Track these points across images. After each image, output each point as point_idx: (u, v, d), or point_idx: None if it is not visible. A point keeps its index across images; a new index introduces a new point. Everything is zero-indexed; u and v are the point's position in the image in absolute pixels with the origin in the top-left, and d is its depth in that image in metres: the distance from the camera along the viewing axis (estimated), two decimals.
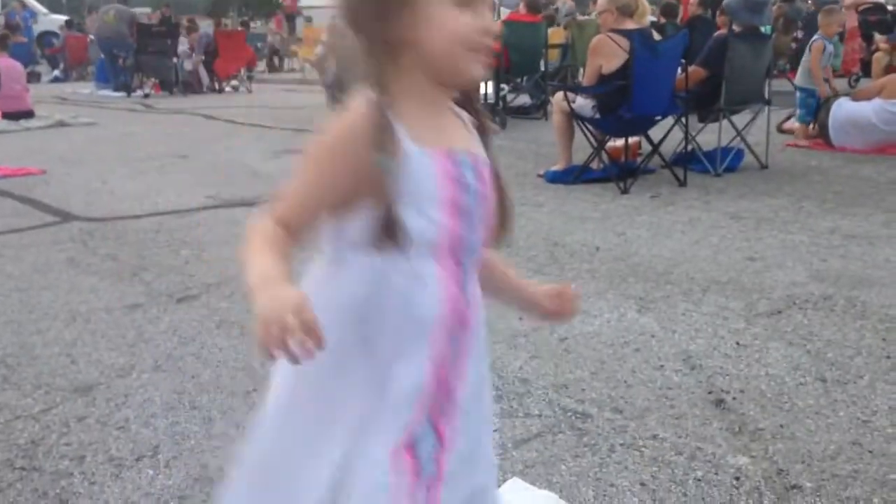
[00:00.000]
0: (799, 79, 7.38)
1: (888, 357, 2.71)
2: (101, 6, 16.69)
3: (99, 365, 2.80)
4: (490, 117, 1.29)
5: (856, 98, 6.90)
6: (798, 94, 7.31)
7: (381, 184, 1.11)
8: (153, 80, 14.75)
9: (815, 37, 7.26)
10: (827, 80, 7.24)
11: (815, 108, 7.08)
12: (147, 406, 2.48)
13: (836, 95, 7.09)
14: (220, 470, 2.09)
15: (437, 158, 1.15)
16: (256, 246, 1.13)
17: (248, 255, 1.13)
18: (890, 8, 13.05)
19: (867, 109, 6.69)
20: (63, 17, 22.47)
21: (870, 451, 2.12)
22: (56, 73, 19.54)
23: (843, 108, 6.88)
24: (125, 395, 2.56)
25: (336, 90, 8.13)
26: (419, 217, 1.13)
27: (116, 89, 14.78)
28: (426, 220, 1.14)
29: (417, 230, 1.13)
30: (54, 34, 21.20)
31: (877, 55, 9.15)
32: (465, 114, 1.24)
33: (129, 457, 2.19)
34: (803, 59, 7.40)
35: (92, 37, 18.14)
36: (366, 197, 1.13)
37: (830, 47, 7.18)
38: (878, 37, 10.17)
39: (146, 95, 14.21)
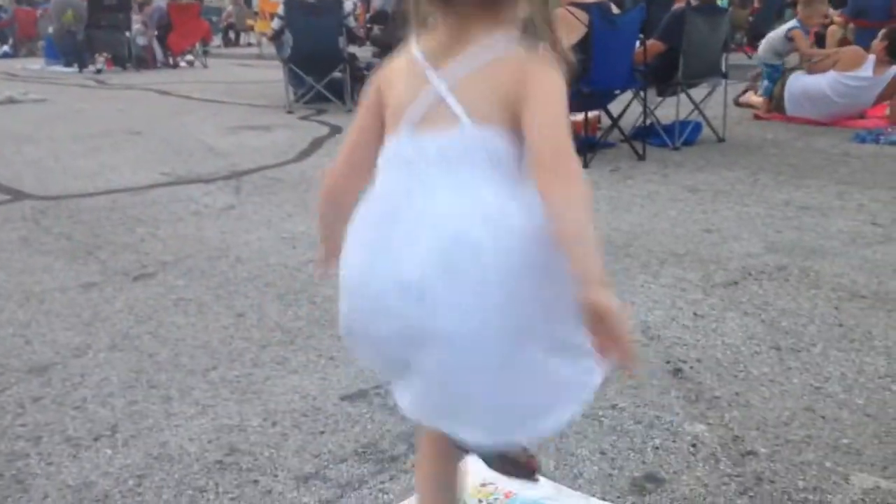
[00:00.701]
0: (764, 55, 7.46)
1: (840, 325, 2.76)
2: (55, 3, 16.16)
3: (54, 345, 2.75)
4: None
5: (811, 71, 6.99)
6: (763, 68, 7.38)
7: None
8: (105, 55, 14.43)
9: (793, 24, 7.31)
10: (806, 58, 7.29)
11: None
12: (104, 385, 2.45)
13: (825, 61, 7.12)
14: (179, 448, 2.08)
15: None
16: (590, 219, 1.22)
17: (589, 225, 1.22)
18: None
19: (822, 82, 6.78)
20: None
21: (822, 417, 2.17)
22: (5, 48, 19.05)
23: (798, 81, 6.98)
24: (81, 375, 2.52)
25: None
26: None
27: (67, 64, 14.45)
28: None
29: None
30: (2, 9, 20.63)
31: (831, 28, 9.27)
32: None
33: (87, 437, 2.16)
34: (771, 35, 7.47)
35: (41, 12, 17.67)
36: None
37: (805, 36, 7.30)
38: (831, 10, 10.28)
39: (98, 71, 13.91)
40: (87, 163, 5.89)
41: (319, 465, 1.99)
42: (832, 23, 9.54)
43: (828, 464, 1.95)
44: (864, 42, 7.38)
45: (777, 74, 7.20)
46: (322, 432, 2.14)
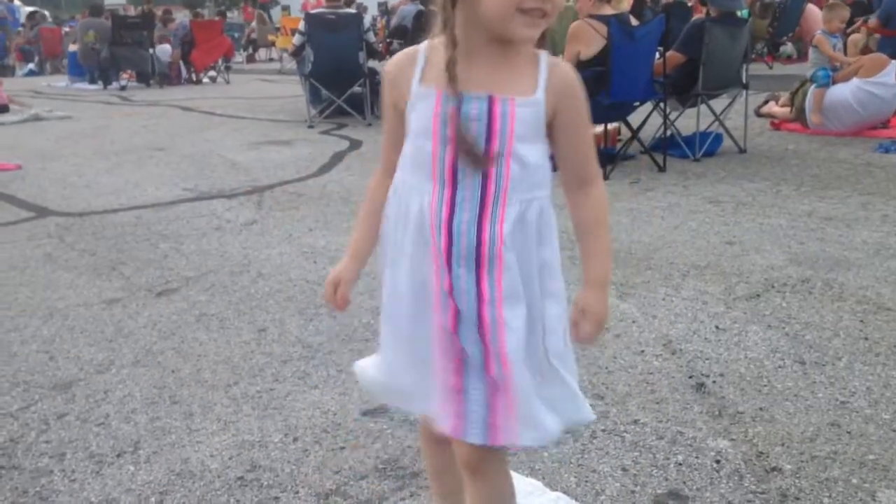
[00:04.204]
0: (811, 62, 7.43)
1: (865, 338, 2.73)
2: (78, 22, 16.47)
3: (78, 361, 2.78)
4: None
5: (834, 81, 6.92)
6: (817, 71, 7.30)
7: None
8: (129, 72, 14.61)
9: (817, 32, 7.29)
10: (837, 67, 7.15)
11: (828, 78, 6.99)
12: (127, 401, 2.47)
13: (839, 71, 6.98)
14: (201, 464, 2.09)
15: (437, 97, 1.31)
16: None
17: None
18: None
19: (845, 92, 6.72)
20: (30, 9, 22.16)
21: (848, 432, 2.14)
22: (31, 66, 19.34)
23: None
24: (105, 391, 2.54)
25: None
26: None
27: (92, 81, 14.64)
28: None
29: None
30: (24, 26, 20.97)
31: (853, 37, 9.20)
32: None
33: (110, 453, 2.17)
34: (811, 54, 7.45)
35: (66, 30, 17.92)
36: None
37: (833, 41, 7.19)
38: (860, 20, 10.15)
39: (122, 88, 14.08)
40: (111, 179, 5.96)
41: (340, 481, 1.99)
42: (857, 30, 9.47)
43: (854, 480, 1.92)
44: (888, 50, 7.31)
45: (824, 72, 7.05)
46: (342, 448, 2.14)
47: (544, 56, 1.33)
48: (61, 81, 15.82)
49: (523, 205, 1.32)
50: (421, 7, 8.59)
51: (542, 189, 1.34)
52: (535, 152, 1.31)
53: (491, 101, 1.29)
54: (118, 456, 2.16)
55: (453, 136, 1.29)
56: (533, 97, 1.30)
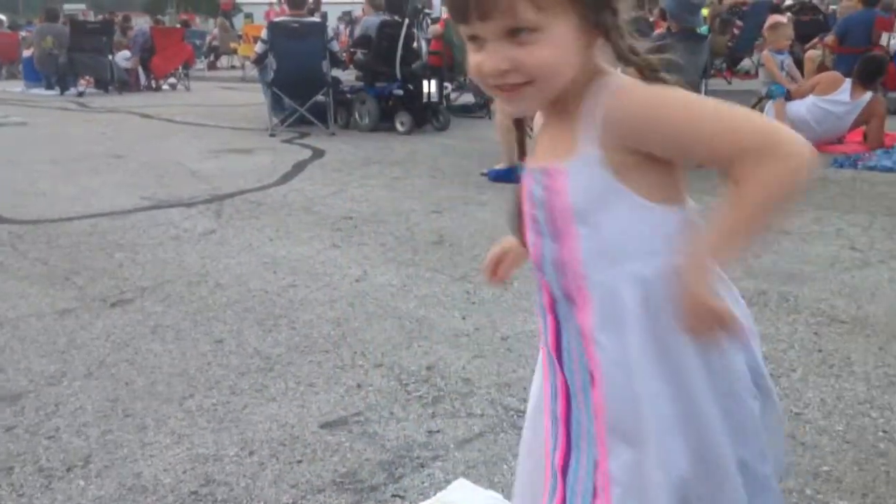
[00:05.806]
0: (762, 79, 7.57)
1: (819, 350, 2.77)
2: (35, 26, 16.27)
3: (28, 373, 2.71)
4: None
5: (790, 97, 7.05)
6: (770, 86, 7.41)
7: None
8: (87, 78, 14.40)
9: (765, 51, 7.45)
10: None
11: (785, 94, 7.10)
12: (78, 414, 2.41)
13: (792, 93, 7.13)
14: (154, 479, 2.04)
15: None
16: None
17: None
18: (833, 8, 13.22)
19: (801, 108, 6.84)
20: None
21: (802, 444, 2.16)
22: None
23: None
24: (55, 404, 2.48)
25: None
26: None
27: (49, 87, 14.42)
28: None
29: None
30: None
31: (810, 53, 9.37)
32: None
33: (60, 467, 2.12)
34: (761, 72, 7.61)
35: (23, 34, 17.64)
36: None
37: (781, 58, 7.32)
38: (817, 38, 10.33)
39: (80, 94, 13.87)
40: (66, 187, 5.85)
41: (297, 495, 1.96)
42: (813, 48, 9.66)
43: (808, 491, 1.95)
44: (843, 68, 7.46)
45: (776, 87, 7.17)
46: (300, 462, 2.12)
47: (594, 88, 1.09)
48: (17, 87, 15.55)
49: (608, 288, 1.10)
50: (385, 17, 8.58)
51: (636, 260, 1.10)
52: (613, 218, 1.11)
53: (545, 173, 1.12)
54: (68, 470, 2.11)
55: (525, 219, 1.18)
56: (577, 157, 1.08)
